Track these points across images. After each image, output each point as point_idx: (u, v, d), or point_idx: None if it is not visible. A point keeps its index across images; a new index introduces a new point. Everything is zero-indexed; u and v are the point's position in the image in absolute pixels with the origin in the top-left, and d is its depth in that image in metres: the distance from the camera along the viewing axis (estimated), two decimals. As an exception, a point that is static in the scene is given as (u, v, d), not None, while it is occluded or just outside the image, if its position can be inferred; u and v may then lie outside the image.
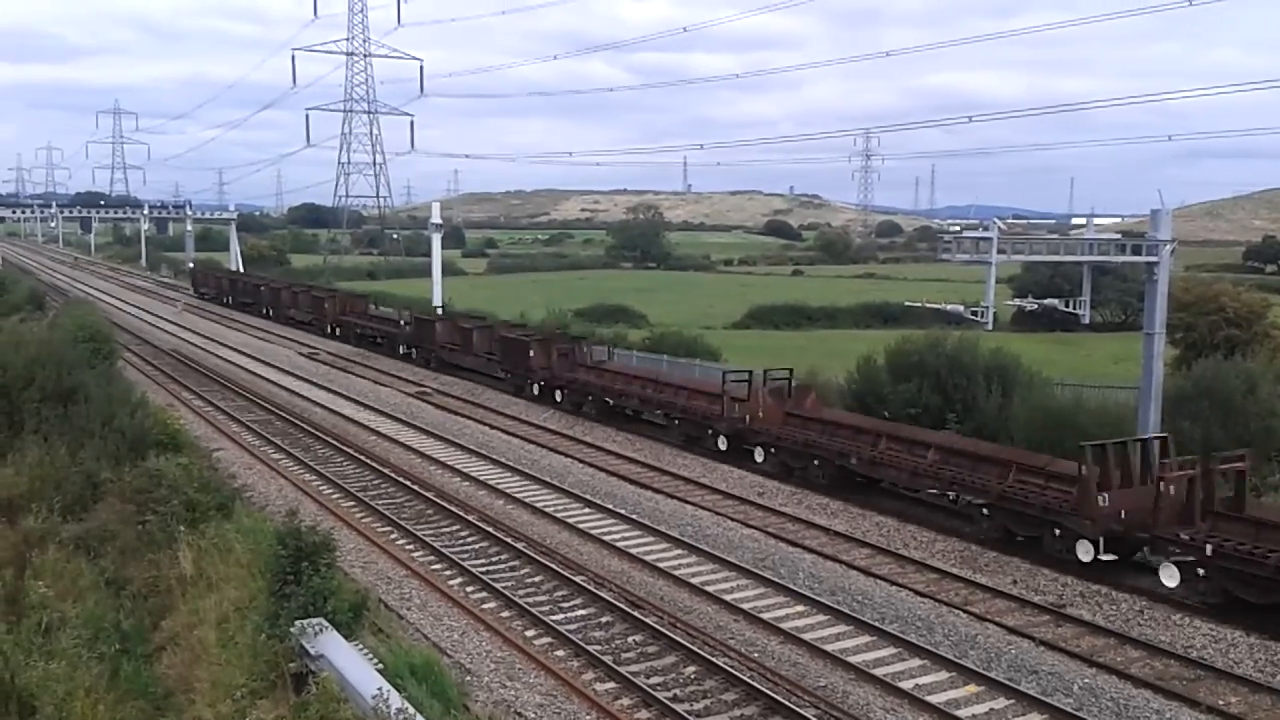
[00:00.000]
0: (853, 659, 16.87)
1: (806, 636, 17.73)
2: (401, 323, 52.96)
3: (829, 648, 17.28)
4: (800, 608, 19.19)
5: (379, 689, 13.22)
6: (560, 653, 17.14)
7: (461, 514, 24.84)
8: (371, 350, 54.21)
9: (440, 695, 14.30)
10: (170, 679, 18.01)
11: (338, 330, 59.32)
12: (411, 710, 12.87)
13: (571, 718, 15.02)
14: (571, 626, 18.06)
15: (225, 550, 20.49)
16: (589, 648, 17.05)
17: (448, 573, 20.97)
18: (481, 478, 28.29)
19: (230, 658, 16.68)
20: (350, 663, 14.36)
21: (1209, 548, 18.34)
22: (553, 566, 21.04)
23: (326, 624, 15.41)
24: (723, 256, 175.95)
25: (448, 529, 24.03)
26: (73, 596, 20.47)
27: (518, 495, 26.55)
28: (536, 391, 39.64)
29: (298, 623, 15.34)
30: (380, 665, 14.47)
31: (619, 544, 22.68)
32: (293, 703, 14.77)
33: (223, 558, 20.29)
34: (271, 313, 70.88)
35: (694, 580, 20.40)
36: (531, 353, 39.73)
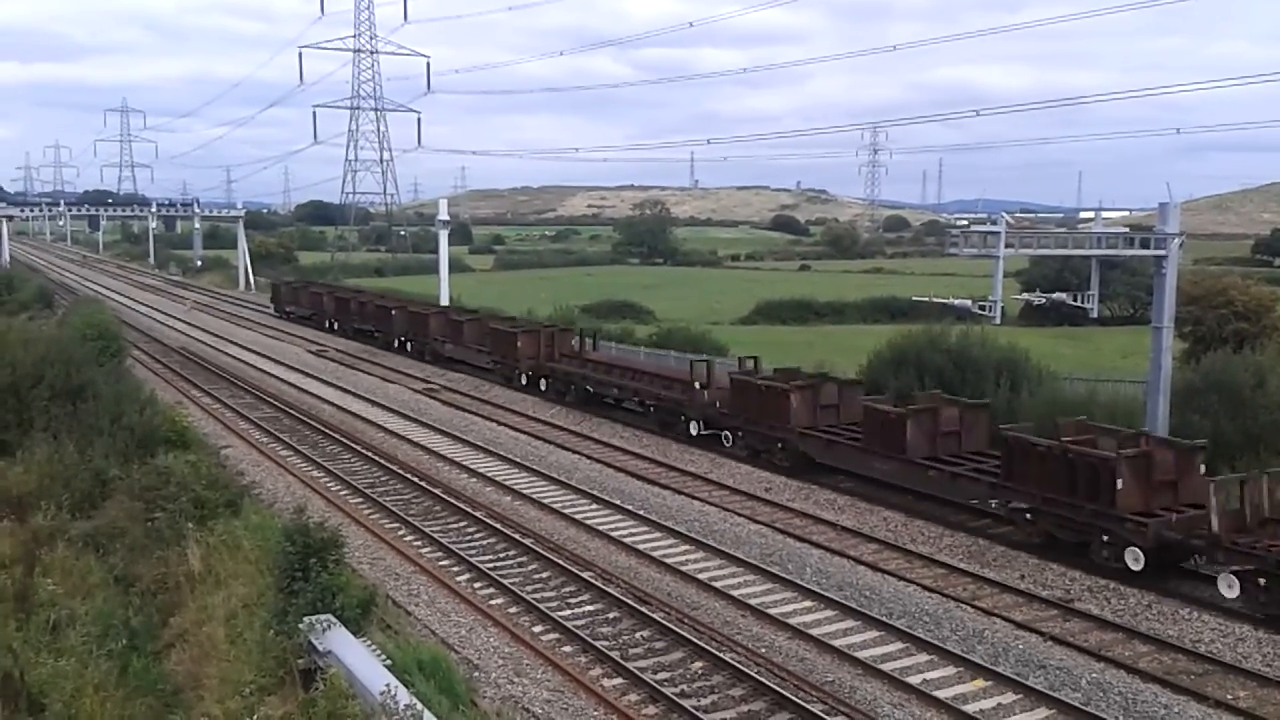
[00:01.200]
0: (860, 654, 16.86)
1: (814, 632, 17.73)
2: (697, 385, 32.33)
3: (836, 643, 17.27)
4: (807, 603, 19.18)
5: (387, 685, 13.24)
6: (567, 648, 17.17)
7: (469, 510, 24.87)
8: (600, 413, 36.93)
9: (448, 691, 14.33)
10: (179, 675, 18.05)
11: (542, 382, 40.49)
12: (419, 706, 12.89)
13: (579, 713, 15.04)
14: (579, 622, 18.08)
15: (233, 547, 20.55)
16: (596, 643, 17.08)
17: (455, 569, 21.02)
18: (489, 474, 28.32)
19: (239, 654, 16.72)
20: (358, 659, 14.39)
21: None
22: (560, 562, 21.06)
23: (334, 620, 15.45)
24: (729, 252, 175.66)
25: (455, 525, 24.06)
26: (82, 594, 20.52)
27: (525, 491, 26.58)
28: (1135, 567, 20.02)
29: (306, 619, 15.38)
30: (388, 661, 14.49)
31: (626, 540, 22.70)
32: (301, 699, 14.80)
33: (231, 554, 20.34)
34: (412, 347, 51.92)
35: (701, 576, 20.41)
36: (1120, 481, 20.29)
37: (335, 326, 61.92)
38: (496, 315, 50.17)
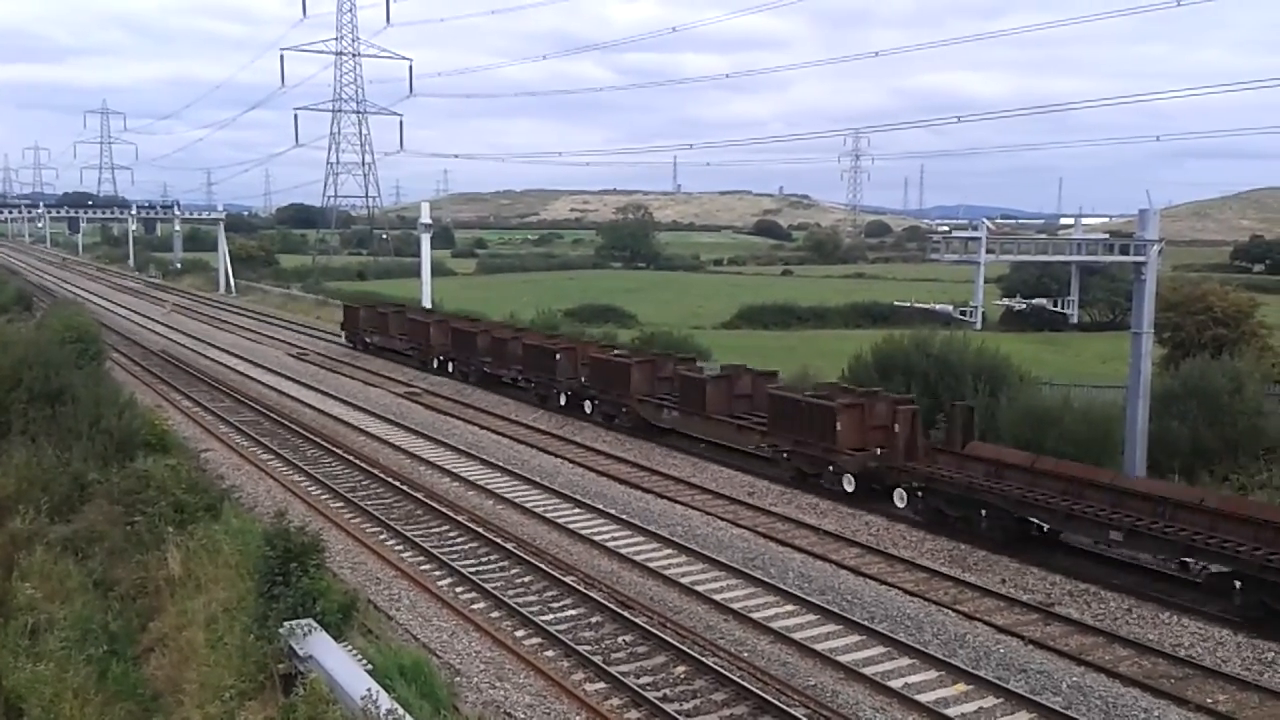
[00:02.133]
0: (842, 658, 16.89)
1: (796, 636, 17.74)
2: None
3: (818, 647, 17.29)
4: (790, 607, 19.20)
5: (368, 690, 13.20)
6: (550, 653, 17.13)
7: (451, 514, 24.81)
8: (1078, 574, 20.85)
9: (429, 696, 14.29)
10: (159, 680, 17.97)
11: (897, 495, 24.61)
12: (401, 711, 12.86)
13: (561, 718, 15.01)
14: (561, 627, 18.05)
15: (213, 551, 20.45)
16: (579, 648, 17.05)
17: (437, 573, 20.95)
18: (471, 478, 28.25)
19: (219, 659, 16.64)
20: (339, 664, 14.34)
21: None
22: (542, 567, 21.02)
23: (315, 625, 15.39)
24: (712, 256, 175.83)
25: (437, 529, 23.99)
26: (60, 598, 20.41)
27: (507, 495, 26.52)
28: None
29: (286, 624, 15.33)
30: (369, 666, 14.44)
31: (609, 544, 22.67)
32: (281, 704, 14.75)
33: (211, 559, 20.25)
34: (595, 407, 35.23)
35: (684, 580, 20.40)
36: None
37: (450, 368, 45.70)
38: (770, 374, 31.87)
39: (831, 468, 26.02)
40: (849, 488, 25.71)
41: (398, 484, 27.55)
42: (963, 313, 26.31)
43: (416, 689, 14.26)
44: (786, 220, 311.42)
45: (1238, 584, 18.23)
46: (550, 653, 17.14)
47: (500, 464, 29.77)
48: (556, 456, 31.07)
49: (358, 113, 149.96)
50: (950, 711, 15.16)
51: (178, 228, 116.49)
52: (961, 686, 16.05)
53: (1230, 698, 15.77)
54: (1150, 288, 25.41)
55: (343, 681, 13.80)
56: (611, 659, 16.82)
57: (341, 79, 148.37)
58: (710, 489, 27.35)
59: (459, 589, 20.03)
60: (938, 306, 27.76)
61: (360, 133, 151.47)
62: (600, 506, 25.48)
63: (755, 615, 18.64)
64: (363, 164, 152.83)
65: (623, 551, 22.18)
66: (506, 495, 26.54)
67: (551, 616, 18.57)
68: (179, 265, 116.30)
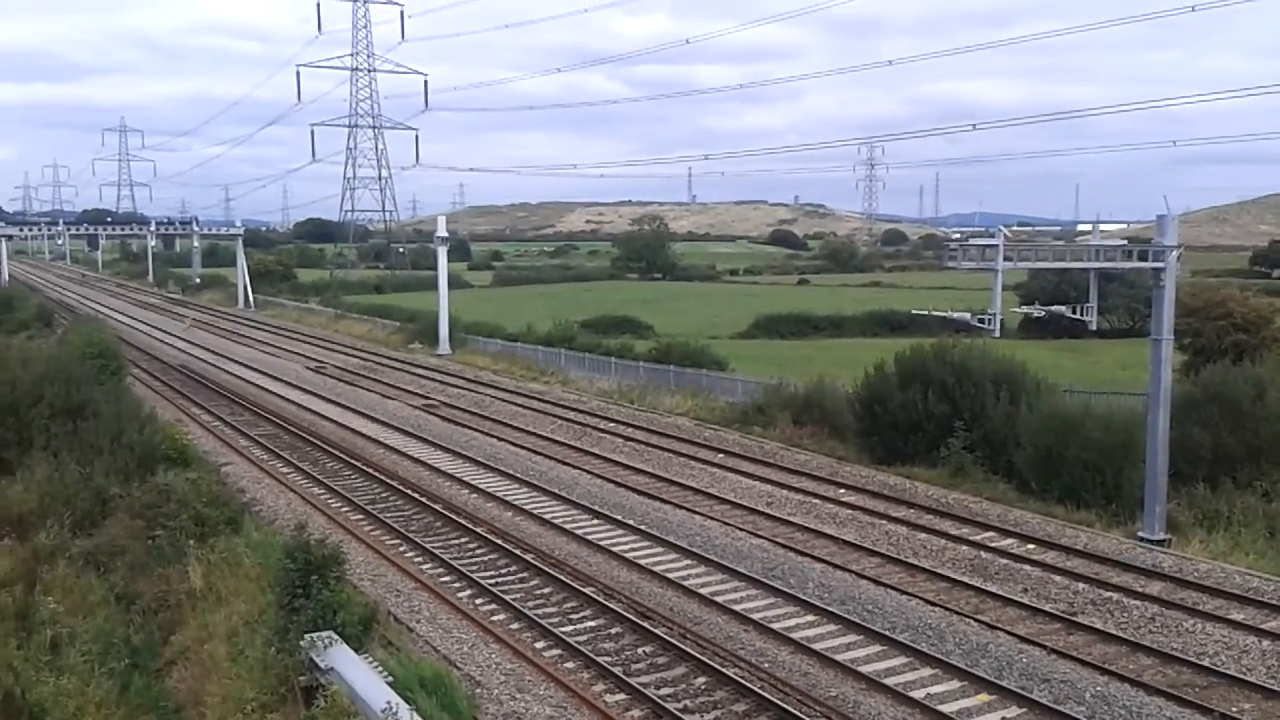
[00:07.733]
0: (863, 669, 16.81)
1: (817, 646, 17.67)
2: None
3: (839, 657, 17.22)
4: (810, 617, 19.13)
5: (389, 702, 13.23)
6: (570, 664, 17.11)
7: (470, 526, 24.83)
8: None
9: (450, 708, 14.31)
10: (180, 693, 18.04)
11: None
12: (422, 723, 12.87)
13: (582, 729, 14.98)
14: (581, 638, 18.03)
15: (234, 564, 20.55)
16: (599, 659, 17.02)
17: (457, 585, 20.96)
18: (490, 490, 28.28)
19: (240, 671, 16.70)
20: (360, 675, 14.38)
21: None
22: (562, 578, 21.01)
23: (336, 637, 15.45)
24: (728, 267, 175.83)
25: (456, 541, 24.01)
26: (83, 612, 20.51)
27: (526, 507, 26.53)
28: None
29: (307, 636, 15.39)
30: (390, 678, 14.48)
31: (628, 555, 22.65)
32: (303, 716, 14.80)
33: (232, 572, 20.35)
34: None
35: (703, 591, 20.36)
36: None
37: None
38: None
39: None
40: None
41: (417, 496, 27.60)
42: (981, 320, 26.17)
43: (437, 701, 14.29)
44: (802, 230, 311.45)
45: None
46: (570, 664, 17.12)
47: (518, 475, 29.79)
48: (575, 468, 31.07)
49: (374, 128, 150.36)
50: (973, 721, 15.08)
51: (196, 244, 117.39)
52: (985, 696, 15.96)
53: (1256, 706, 15.63)
54: (1169, 294, 25.23)
55: (364, 693, 13.84)
56: (632, 670, 16.79)
57: (357, 94, 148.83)
58: (729, 499, 27.30)
59: (479, 600, 20.03)
60: (955, 314, 27.62)
61: (376, 147, 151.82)
62: (619, 517, 25.47)
63: (775, 626, 18.58)
64: (379, 178, 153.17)
65: (642, 562, 22.15)
66: (525, 507, 26.55)
67: (571, 628, 18.56)
68: (198, 281, 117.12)
